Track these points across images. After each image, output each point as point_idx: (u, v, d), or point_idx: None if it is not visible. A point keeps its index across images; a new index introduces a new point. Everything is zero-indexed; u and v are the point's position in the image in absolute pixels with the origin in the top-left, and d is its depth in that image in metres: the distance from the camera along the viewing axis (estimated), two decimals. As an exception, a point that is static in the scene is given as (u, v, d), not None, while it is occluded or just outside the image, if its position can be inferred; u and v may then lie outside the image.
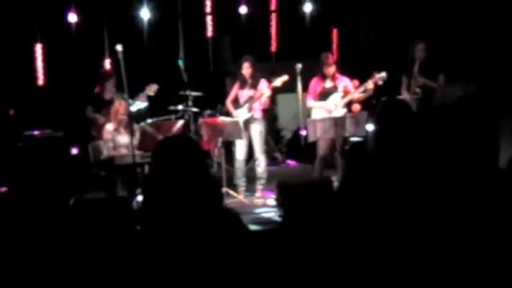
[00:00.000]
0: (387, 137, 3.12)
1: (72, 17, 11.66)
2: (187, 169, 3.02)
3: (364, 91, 9.09)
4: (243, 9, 13.00)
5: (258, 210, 8.59)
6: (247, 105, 9.16)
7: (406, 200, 2.98)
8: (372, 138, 3.25)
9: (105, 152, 8.81)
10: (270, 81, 9.29)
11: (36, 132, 9.91)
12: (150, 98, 9.38)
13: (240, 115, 9.17)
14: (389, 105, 3.36)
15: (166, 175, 3.02)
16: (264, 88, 9.18)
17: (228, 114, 9.54)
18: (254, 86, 9.20)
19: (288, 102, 12.61)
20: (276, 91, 9.67)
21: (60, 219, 5.69)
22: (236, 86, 9.43)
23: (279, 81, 9.16)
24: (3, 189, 7.70)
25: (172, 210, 2.96)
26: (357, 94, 9.07)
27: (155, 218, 3.01)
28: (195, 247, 2.90)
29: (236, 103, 9.42)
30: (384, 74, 8.97)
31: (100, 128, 9.08)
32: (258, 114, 9.23)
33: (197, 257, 2.89)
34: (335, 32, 13.22)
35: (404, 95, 9.56)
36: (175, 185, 2.99)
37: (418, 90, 9.21)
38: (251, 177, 9.55)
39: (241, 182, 9.36)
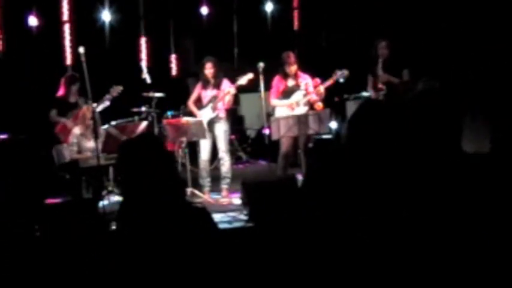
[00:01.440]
0: (363, 137, 3.16)
1: (33, 21, 11.59)
2: (153, 167, 3.06)
3: (317, 94, 9.15)
4: (204, 10, 13.03)
5: (223, 210, 8.58)
6: (211, 105, 9.17)
7: (382, 196, 3.02)
8: (346, 138, 3.28)
9: (68, 156, 8.80)
10: (232, 81, 9.33)
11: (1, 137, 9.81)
12: (113, 100, 9.34)
13: (204, 115, 9.18)
14: (365, 107, 3.39)
15: (133, 175, 3.05)
16: (227, 88, 9.21)
17: (190, 114, 9.54)
18: (217, 85, 9.23)
19: (251, 102, 12.68)
20: (238, 91, 9.68)
21: (28, 223, 5.67)
22: (198, 87, 9.44)
23: (244, 80, 9.17)
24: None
25: (142, 208, 3.00)
26: (314, 96, 9.13)
27: (127, 217, 3.05)
28: (164, 245, 2.94)
29: (198, 103, 9.44)
30: (345, 72, 9.05)
31: (67, 132, 9.06)
32: (222, 114, 9.26)
33: (167, 254, 2.93)
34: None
35: (371, 93, 9.68)
36: (143, 183, 3.03)
37: (379, 85, 9.32)
38: (216, 177, 9.57)
39: (206, 182, 9.37)
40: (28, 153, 9.45)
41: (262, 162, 12.13)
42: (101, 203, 7.95)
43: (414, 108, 3.09)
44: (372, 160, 3.07)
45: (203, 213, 3.19)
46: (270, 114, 9.32)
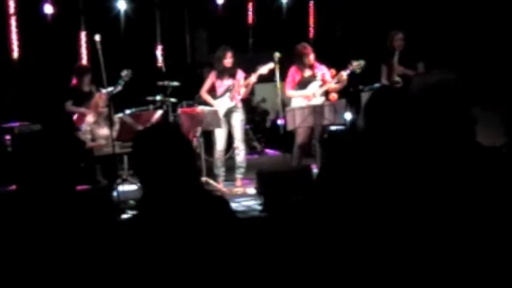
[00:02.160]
0: (378, 124, 3.12)
1: (48, 9, 11.60)
2: (170, 157, 3.05)
3: (338, 81, 9.09)
4: (219, 0, 13.03)
5: (237, 199, 8.58)
6: (229, 94, 9.15)
7: (397, 186, 3.00)
8: (363, 127, 3.25)
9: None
10: (246, 71, 9.31)
11: (14, 124, 9.84)
12: (128, 88, 9.29)
13: (222, 104, 9.16)
14: (382, 94, 3.34)
15: (150, 165, 3.05)
16: (242, 78, 9.20)
17: (205, 104, 9.52)
18: (233, 75, 9.21)
19: (266, 91, 12.66)
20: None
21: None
22: (212, 76, 9.40)
23: (265, 69, 9.11)
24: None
25: (161, 197, 3.01)
26: (333, 84, 9.09)
27: (147, 206, 3.05)
28: (183, 233, 2.94)
29: (212, 93, 9.41)
30: (362, 62, 8.99)
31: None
32: (239, 103, 9.25)
33: (186, 243, 2.93)
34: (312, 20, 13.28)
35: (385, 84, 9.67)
36: (160, 173, 3.02)
37: (398, 79, 9.29)
38: (230, 167, 9.56)
39: (220, 171, 9.35)
40: (43, 142, 9.41)
41: (274, 153, 12.16)
42: (115, 192, 7.97)
43: (428, 99, 3.08)
44: (388, 150, 3.05)
45: (221, 202, 3.18)
46: (285, 104, 9.29)
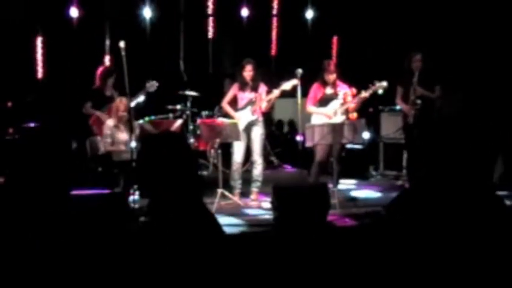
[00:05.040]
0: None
1: (74, 12, 11.68)
2: (174, 167, 3.06)
3: (360, 100, 9.08)
4: (244, 12, 13.07)
5: (252, 213, 8.58)
6: (251, 108, 9.15)
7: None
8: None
9: (102, 148, 8.82)
10: (268, 84, 9.31)
11: (32, 125, 9.89)
12: (149, 96, 9.33)
13: (243, 117, 9.15)
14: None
15: (154, 170, 3.06)
16: (264, 91, 9.20)
17: (225, 115, 9.51)
18: (255, 88, 9.21)
19: (286, 107, 12.67)
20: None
21: (56, 214, 5.67)
22: (235, 88, 9.40)
23: (288, 85, 9.07)
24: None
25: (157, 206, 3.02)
26: (352, 104, 9.08)
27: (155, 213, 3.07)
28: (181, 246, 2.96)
29: (232, 105, 9.41)
30: (384, 83, 8.98)
31: (101, 124, 9.06)
32: (260, 117, 9.24)
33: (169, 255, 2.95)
34: (335, 40, 13.35)
35: (401, 105, 9.68)
36: (162, 180, 3.04)
37: (418, 101, 9.30)
38: (246, 180, 9.53)
39: (237, 184, 9.32)
40: (57, 144, 9.45)
41: (291, 168, 12.13)
42: (131, 197, 7.96)
43: (455, 126, 3.07)
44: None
45: (209, 219, 3.20)
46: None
